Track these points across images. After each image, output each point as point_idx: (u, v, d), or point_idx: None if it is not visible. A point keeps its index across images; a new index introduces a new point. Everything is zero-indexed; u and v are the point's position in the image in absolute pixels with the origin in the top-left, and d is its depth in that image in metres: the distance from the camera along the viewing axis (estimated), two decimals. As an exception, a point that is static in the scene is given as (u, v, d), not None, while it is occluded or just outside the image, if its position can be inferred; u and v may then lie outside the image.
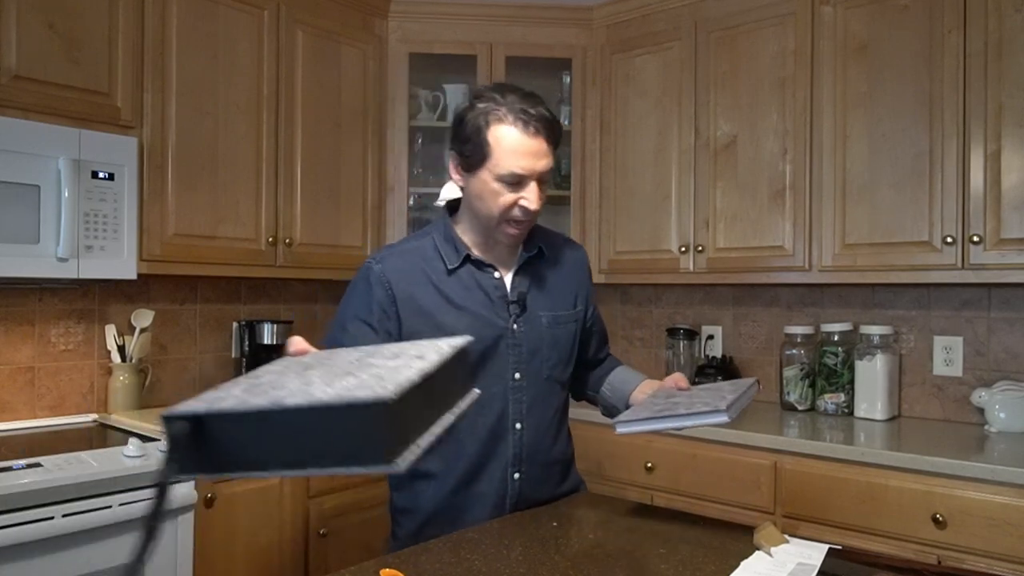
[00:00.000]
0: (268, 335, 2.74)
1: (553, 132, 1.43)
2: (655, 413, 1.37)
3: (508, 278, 1.53)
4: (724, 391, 1.44)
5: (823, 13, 2.54)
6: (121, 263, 2.21)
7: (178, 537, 2.00)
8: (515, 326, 1.51)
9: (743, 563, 1.24)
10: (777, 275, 2.67)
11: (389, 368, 0.83)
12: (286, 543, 2.34)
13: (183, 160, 2.41)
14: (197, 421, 0.77)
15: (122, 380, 2.49)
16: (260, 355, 2.76)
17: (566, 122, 3.22)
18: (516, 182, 1.41)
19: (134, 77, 2.29)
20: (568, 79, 3.21)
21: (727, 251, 2.75)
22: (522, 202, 1.42)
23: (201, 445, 0.77)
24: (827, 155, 2.52)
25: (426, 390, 0.82)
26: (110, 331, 2.51)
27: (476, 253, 1.52)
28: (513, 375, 1.51)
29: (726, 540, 1.36)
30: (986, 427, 2.38)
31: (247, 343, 2.74)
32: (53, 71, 2.12)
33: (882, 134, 2.41)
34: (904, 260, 2.37)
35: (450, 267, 1.49)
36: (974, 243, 2.23)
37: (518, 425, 1.51)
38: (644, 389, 1.63)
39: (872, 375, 2.55)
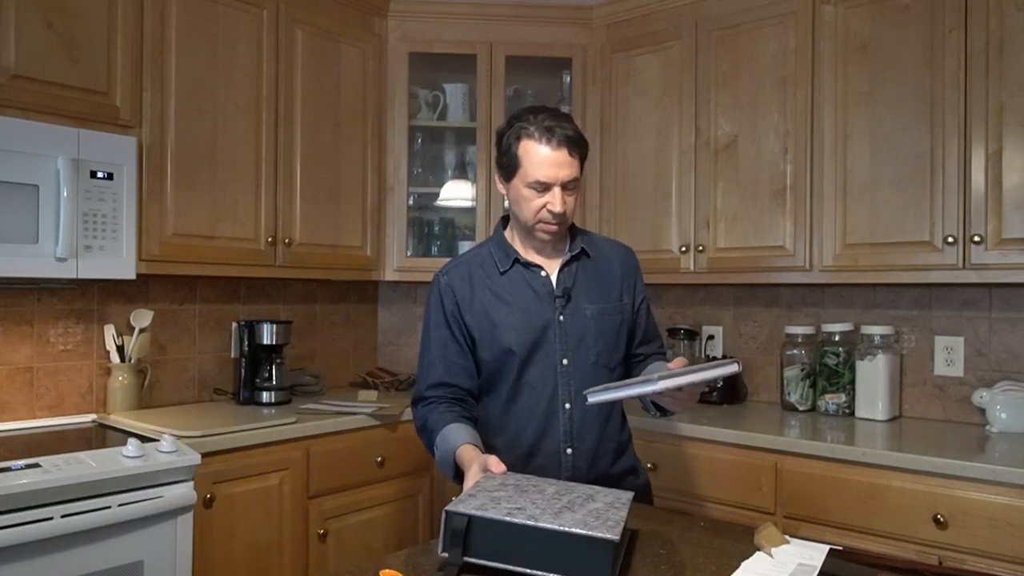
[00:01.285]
0: (267, 335, 2.74)
1: (576, 146, 1.64)
2: (623, 384, 1.44)
3: (554, 276, 1.73)
4: (697, 368, 1.47)
5: (824, 12, 2.53)
6: (120, 263, 2.21)
7: (177, 537, 1.99)
8: (561, 317, 1.71)
9: (744, 564, 1.23)
10: (778, 275, 2.66)
11: (593, 511, 1.24)
12: (285, 543, 2.34)
13: (182, 160, 2.41)
14: (469, 520, 1.17)
15: (121, 380, 2.48)
16: (259, 355, 2.75)
17: (566, 122, 3.21)
18: (543, 188, 1.63)
19: (133, 77, 2.29)
20: (568, 78, 3.20)
21: (728, 251, 2.74)
22: (548, 206, 1.64)
23: (468, 535, 1.18)
24: (828, 155, 2.52)
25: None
26: (109, 331, 2.50)
27: (524, 255, 1.75)
28: (561, 360, 1.70)
29: (726, 541, 1.35)
30: (987, 427, 2.37)
31: (246, 343, 2.73)
32: (52, 70, 2.12)
33: (883, 134, 2.41)
34: (905, 260, 2.36)
35: (502, 269, 1.74)
36: (975, 243, 2.23)
37: (567, 405, 1.70)
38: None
39: (873, 375, 2.55)
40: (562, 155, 1.62)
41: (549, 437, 1.70)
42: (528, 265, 1.74)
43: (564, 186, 1.63)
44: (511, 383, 1.71)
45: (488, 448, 1.64)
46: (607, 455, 1.74)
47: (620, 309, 1.77)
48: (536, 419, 1.70)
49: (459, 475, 1.55)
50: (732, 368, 1.41)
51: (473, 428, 1.66)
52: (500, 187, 1.74)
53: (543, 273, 1.73)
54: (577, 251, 1.75)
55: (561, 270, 1.74)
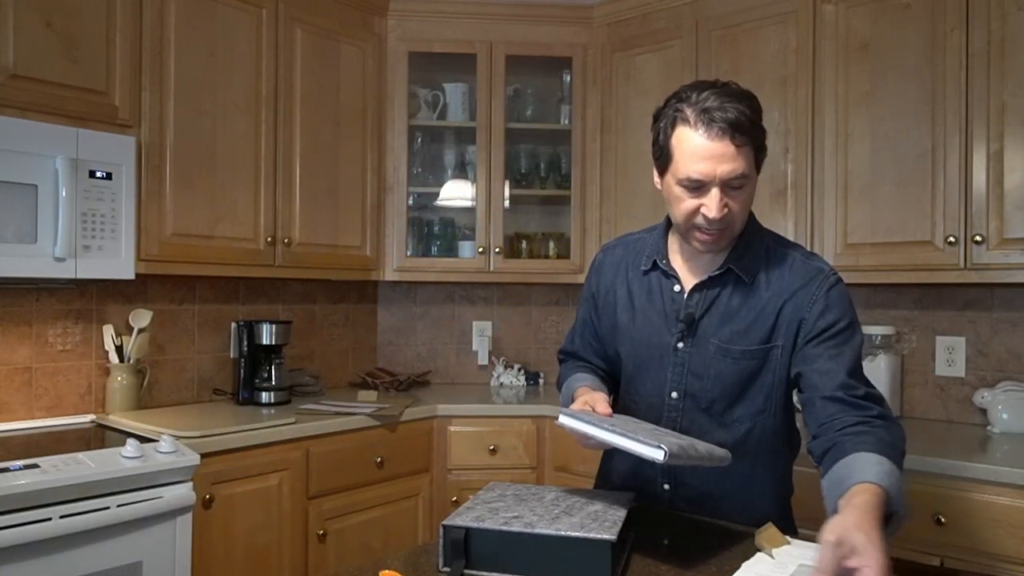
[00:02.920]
0: (267, 335, 2.73)
1: (741, 131, 1.28)
2: (602, 424, 1.26)
3: (687, 294, 1.44)
4: (690, 443, 1.31)
5: (825, 12, 2.53)
6: (119, 263, 2.20)
7: (176, 538, 1.99)
8: (680, 344, 1.45)
9: (744, 564, 1.23)
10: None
11: (591, 513, 1.23)
12: (285, 544, 2.33)
13: (181, 159, 2.40)
14: (467, 531, 1.17)
15: (120, 380, 2.48)
16: (259, 355, 2.74)
17: (566, 121, 3.21)
18: (697, 187, 1.32)
19: (132, 76, 2.28)
20: (568, 78, 3.20)
21: (728, 251, 2.74)
22: (703, 210, 1.33)
23: (468, 547, 1.17)
24: (829, 154, 2.51)
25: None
26: (108, 331, 2.50)
27: (673, 260, 1.48)
28: (670, 394, 1.46)
29: (727, 541, 1.35)
30: (988, 428, 2.37)
31: (246, 343, 2.73)
32: (51, 70, 2.11)
33: (884, 133, 2.40)
34: (906, 260, 2.36)
35: (644, 268, 1.51)
36: (977, 243, 2.22)
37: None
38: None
39: (874, 375, 2.52)
40: (722, 146, 1.28)
41: (649, 466, 1.39)
42: (667, 273, 1.46)
43: (727, 184, 1.30)
44: (622, 392, 1.57)
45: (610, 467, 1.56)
46: (730, 508, 1.46)
47: (761, 354, 1.41)
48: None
49: None
50: (720, 462, 1.26)
51: (598, 379, 1.56)
52: (656, 181, 1.43)
53: (677, 288, 1.45)
54: (722, 270, 1.42)
55: (697, 290, 1.43)
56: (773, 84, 2.64)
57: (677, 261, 1.48)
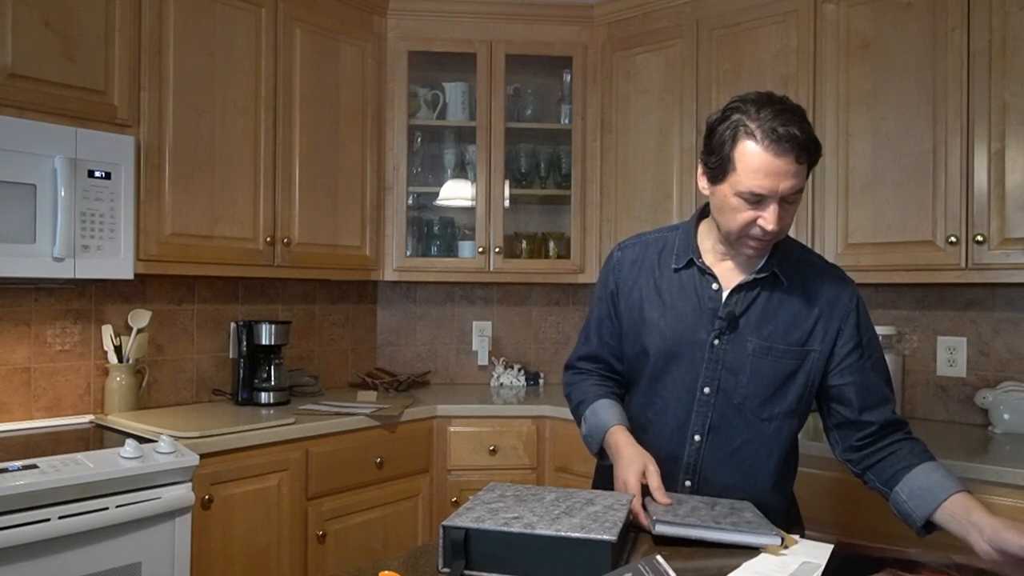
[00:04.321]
0: (266, 335, 2.72)
1: (805, 151, 1.34)
2: (698, 523, 1.32)
3: (727, 293, 1.49)
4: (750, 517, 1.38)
5: (826, 11, 2.52)
6: (118, 263, 2.20)
7: (175, 539, 1.98)
8: (716, 341, 1.49)
9: (745, 564, 1.23)
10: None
11: (592, 513, 1.23)
12: (284, 545, 2.32)
13: (180, 159, 2.40)
14: (467, 532, 1.17)
15: (119, 381, 2.47)
16: (258, 356, 2.73)
17: (566, 121, 3.21)
18: (757, 201, 1.37)
19: (131, 75, 2.28)
20: (569, 77, 3.19)
21: (729, 251, 2.73)
22: (760, 221, 1.38)
23: (468, 548, 1.17)
24: (830, 154, 2.51)
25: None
26: (107, 331, 2.49)
27: (706, 259, 1.52)
28: (702, 388, 1.50)
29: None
30: (990, 428, 2.36)
31: (245, 344, 2.72)
32: (49, 69, 2.10)
33: (885, 133, 2.40)
34: (907, 260, 2.35)
35: (676, 266, 1.54)
36: (978, 243, 2.22)
37: (696, 437, 1.51)
38: (959, 507, 1.34)
39: (875, 375, 2.53)
40: (787, 164, 1.32)
41: (672, 464, 1.51)
42: (704, 271, 1.51)
43: (783, 199, 1.36)
44: (644, 389, 1.58)
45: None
46: (741, 495, 1.50)
47: (800, 355, 1.47)
48: (662, 439, 1.53)
49: (603, 453, 1.54)
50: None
51: (622, 407, 1.59)
52: (702, 184, 1.46)
53: (715, 286, 1.50)
54: (766, 273, 1.47)
55: (738, 290, 1.48)
56: (774, 83, 2.63)
57: (711, 259, 1.52)
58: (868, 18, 2.44)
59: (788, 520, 1.59)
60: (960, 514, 1.32)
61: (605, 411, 1.56)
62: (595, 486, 1.69)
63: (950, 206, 2.27)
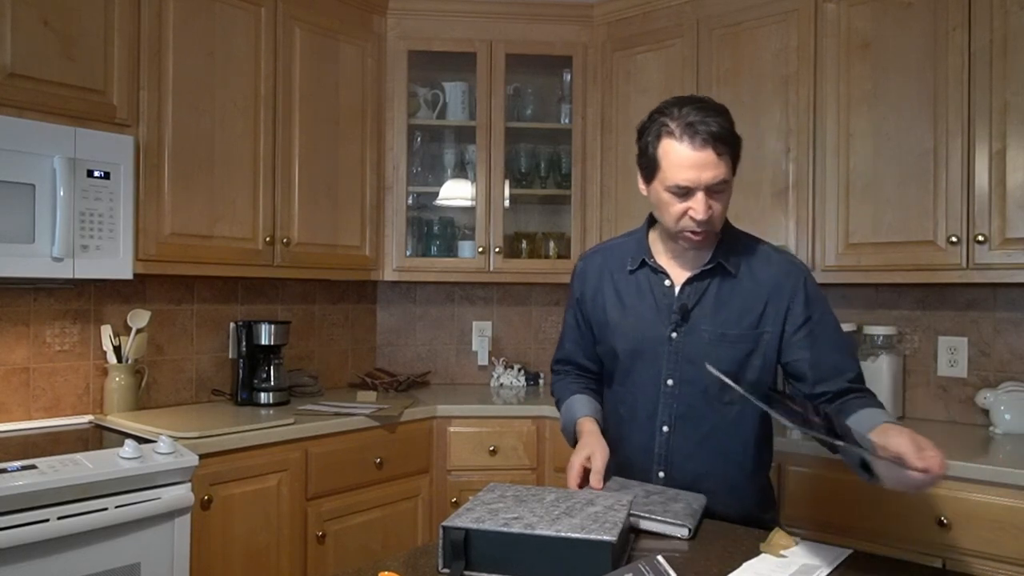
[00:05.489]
0: (265, 336, 2.72)
1: (723, 143, 1.44)
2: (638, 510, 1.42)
3: (678, 287, 1.58)
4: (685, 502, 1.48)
5: (826, 10, 2.52)
6: (117, 263, 2.19)
7: (175, 539, 1.98)
8: (674, 335, 1.57)
9: (745, 563, 1.23)
10: (779, 275, 2.64)
11: (592, 514, 1.24)
12: (283, 545, 2.32)
13: (179, 159, 2.39)
14: (467, 533, 1.17)
15: (118, 381, 2.46)
16: (257, 356, 2.73)
17: (566, 120, 3.21)
18: (684, 193, 1.46)
19: (130, 75, 2.27)
20: (569, 77, 3.19)
21: (729, 250, 2.73)
22: (690, 212, 1.47)
23: (468, 548, 1.18)
24: (830, 153, 2.50)
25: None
26: (106, 331, 2.48)
27: (659, 259, 1.61)
28: (666, 381, 1.59)
29: (730, 542, 1.34)
30: (991, 428, 2.36)
31: (244, 344, 2.72)
32: (48, 69, 2.10)
33: (886, 132, 2.39)
34: (908, 260, 2.35)
35: (630, 268, 1.63)
36: (979, 243, 2.21)
37: (665, 428, 1.59)
38: (880, 429, 1.34)
39: (876, 376, 2.53)
40: (706, 155, 1.43)
41: (645, 454, 1.61)
42: (656, 270, 1.60)
43: (709, 189, 1.45)
44: (616, 386, 1.67)
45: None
46: (715, 491, 1.55)
47: (754, 338, 1.55)
48: (634, 432, 1.62)
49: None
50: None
51: (596, 400, 1.71)
52: (641, 187, 1.57)
53: (667, 282, 1.58)
54: (711, 265, 1.56)
55: (688, 283, 1.57)
56: (775, 83, 2.63)
57: (663, 259, 1.61)
58: (869, 18, 2.43)
59: (762, 505, 1.64)
60: (878, 433, 1.32)
61: (576, 405, 1.69)
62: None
63: (951, 206, 2.27)
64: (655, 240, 1.63)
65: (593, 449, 1.54)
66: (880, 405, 1.50)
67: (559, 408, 1.78)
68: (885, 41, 2.40)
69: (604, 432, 1.63)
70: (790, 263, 1.59)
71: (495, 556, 1.17)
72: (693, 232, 1.49)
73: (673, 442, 1.58)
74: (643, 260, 1.61)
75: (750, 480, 1.62)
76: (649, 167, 1.51)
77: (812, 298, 1.55)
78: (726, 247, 1.57)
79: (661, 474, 1.59)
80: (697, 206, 1.46)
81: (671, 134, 1.46)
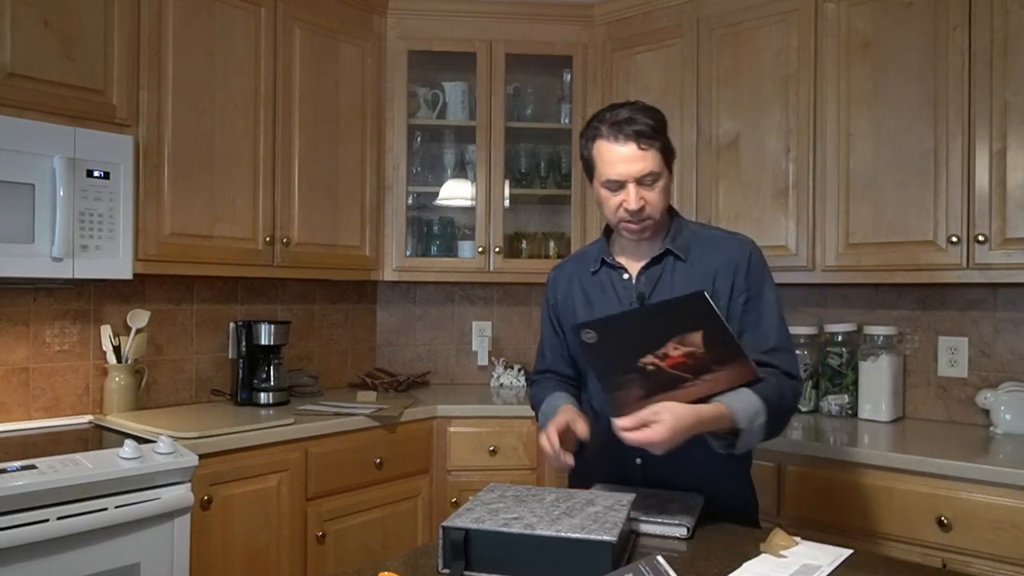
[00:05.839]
0: (265, 336, 2.72)
1: (646, 138, 1.55)
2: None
3: (634, 279, 1.67)
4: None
5: (826, 10, 2.52)
6: (117, 263, 2.19)
7: (174, 539, 1.97)
8: None
9: (745, 564, 1.23)
10: (780, 275, 2.60)
11: (592, 514, 1.24)
12: (283, 545, 2.32)
13: (179, 159, 2.39)
14: (467, 533, 1.18)
15: (118, 381, 2.46)
16: (257, 356, 2.73)
17: (566, 120, 3.20)
18: (617, 187, 1.58)
19: (130, 75, 2.27)
20: (569, 77, 3.19)
21: (729, 250, 2.72)
22: (624, 204, 1.58)
23: (468, 548, 1.18)
24: (831, 153, 2.50)
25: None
26: (106, 332, 2.48)
27: (617, 257, 1.69)
28: None
29: (730, 543, 1.34)
30: (991, 429, 2.36)
31: (244, 344, 2.72)
32: (48, 69, 2.10)
33: (886, 132, 2.39)
34: (909, 260, 2.35)
35: (592, 270, 1.72)
36: (979, 242, 2.21)
37: None
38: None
39: (876, 376, 2.53)
40: (631, 149, 1.55)
41: (620, 444, 1.53)
42: (615, 267, 1.69)
43: (641, 181, 1.56)
44: (589, 385, 1.73)
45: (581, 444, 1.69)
46: (692, 475, 1.60)
47: None
48: (608, 423, 1.62)
49: None
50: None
51: (575, 397, 1.74)
52: (590, 188, 1.72)
53: (625, 276, 1.67)
54: (660, 252, 1.65)
55: (642, 273, 1.66)
56: (775, 83, 2.63)
57: (621, 257, 1.70)
58: (869, 17, 2.43)
59: (741, 484, 1.68)
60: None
61: (556, 400, 1.71)
62: (571, 484, 1.76)
63: (951, 206, 2.27)
64: (614, 241, 1.73)
65: (574, 416, 1.56)
66: (772, 388, 1.49)
67: (538, 410, 1.77)
68: (885, 41, 2.40)
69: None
70: (738, 241, 1.67)
71: (495, 556, 1.17)
72: (630, 223, 1.59)
73: None
74: (603, 260, 1.70)
75: (724, 471, 1.64)
76: (588, 168, 1.64)
77: (754, 272, 1.62)
78: (674, 236, 1.66)
79: (638, 460, 1.62)
80: (628, 197, 1.56)
81: (602, 135, 1.58)
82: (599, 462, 1.65)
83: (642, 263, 1.66)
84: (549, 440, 1.50)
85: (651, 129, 1.56)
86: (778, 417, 1.50)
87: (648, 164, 1.55)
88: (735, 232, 1.73)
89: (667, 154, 1.59)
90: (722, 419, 1.41)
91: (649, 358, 1.40)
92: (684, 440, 1.37)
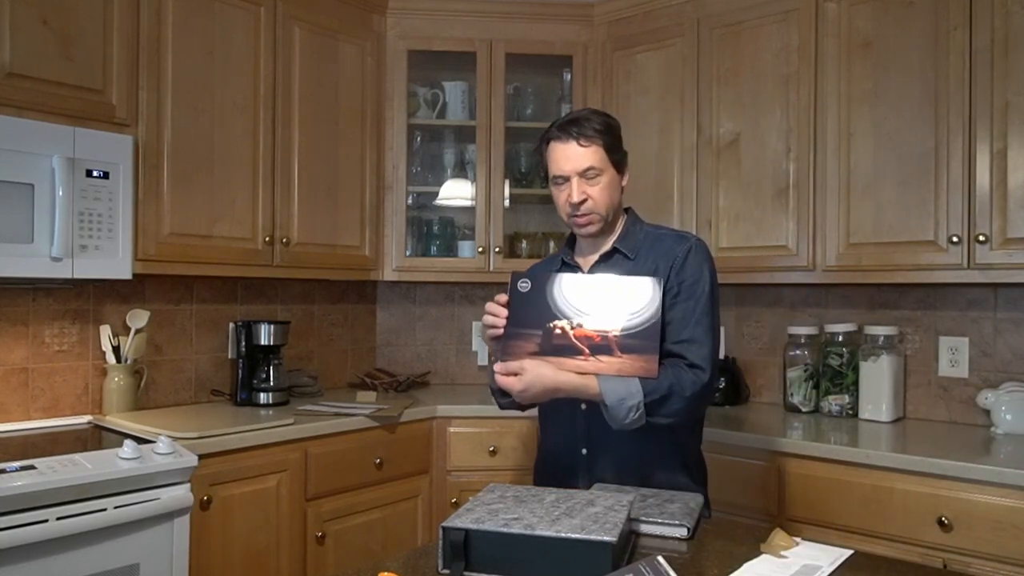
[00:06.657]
0: (265, 336, 2.71)
1: (587, 137, 1.67)
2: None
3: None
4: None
5: (827, 9, 2.51)
6: (116, 263, 2.19)
7: (174, 540, 1.97)
8: None
9: (746, 564, 1.22)
10: (781, 275, 2.64)
11: (592, 515, 1.24)
12: (283, 546, 2.32)
13: (179, 159, 2.39)
14: (467, 533, 1.18)
15: (117, 381, 2.46)
16: (257, 356, 2.73)
17: (566, 120, 3.19)
18: (562, 182, 1.71)
19: (129, 74, 2.27)
20: (569, 76, 3.18)
21: (730, 250, 2.72)
22: (568, 197, 1.70)
23: (467, 549, 1.18)
24: (831, 153, 2.50)
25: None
26: (105, 332, 2.48)
27: (577, 259, 1.81)
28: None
29: (730, 543, 1.34)
30: (992, 429, 2.35)
31: (244, 344, 2.71)
32: (47, 68, 2.09)
33: (887, 132, 2.39)
34: (909, 260, 2.34)
35: (554, 269, 1.80)
36: (980, 242, 2.21)
37: (583, 406, 1.71)
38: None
39: (877, 376, 2.53)
40: (572, 147, 1.67)
41: (568, 435, 1.75)
42: (571, 265, 1.80)
43: (583, 176, 1.67)
44: None
45: (543, 437, 1.87)
46: (628, 472, 1.68)
47: None
48: (560, 414, 1.76)
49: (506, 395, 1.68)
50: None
51: None
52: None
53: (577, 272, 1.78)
54: (607, 249, 1.76)
55: (592, 269, 1.76)
56: (775, 82, 2.62)
57: (578, 257, 1.82)
58: (870, 17, 2.43)
59: (689, 468, 1.74)
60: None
61: None
62: (536, 461, 1.90)
63: (952, 206, 2.26)
64: (576, 244, 1.85)
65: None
66: (668, 376, 1.58)
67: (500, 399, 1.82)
68: (886, 40, 2.40)
69: (539, 427, 1.87)
70: (682, 238, 1.76)
71: (495, 557, 1.17)
72: (575, 216, 1.70)
73: (592, 419, 1.68)
74: (563, 260, 1.83)
75: (671, 463, 1.71)
76: (544, 171, 1.76)
77: (689, 267, 1.68)
78: (623, 234, 1.76)
79: (584, 450, 1.71)
80: (572, 190, 1.68)
81: (552, 136, 1.72)
82: (556, 453, 1.78)
83: (593, 260, 1.77)
84: (496, 302, 1.63)
85: (594, 129, 1.68)
86: (668, 403, 1.57)
87: (589, 160, 1.67)
88: (686, 232, 1.82)
89: (612, 153, 1.70)
90: (586, 390, 1.56)
91: (564, 322, 1.57)
92: (542, 396, 1.58)
